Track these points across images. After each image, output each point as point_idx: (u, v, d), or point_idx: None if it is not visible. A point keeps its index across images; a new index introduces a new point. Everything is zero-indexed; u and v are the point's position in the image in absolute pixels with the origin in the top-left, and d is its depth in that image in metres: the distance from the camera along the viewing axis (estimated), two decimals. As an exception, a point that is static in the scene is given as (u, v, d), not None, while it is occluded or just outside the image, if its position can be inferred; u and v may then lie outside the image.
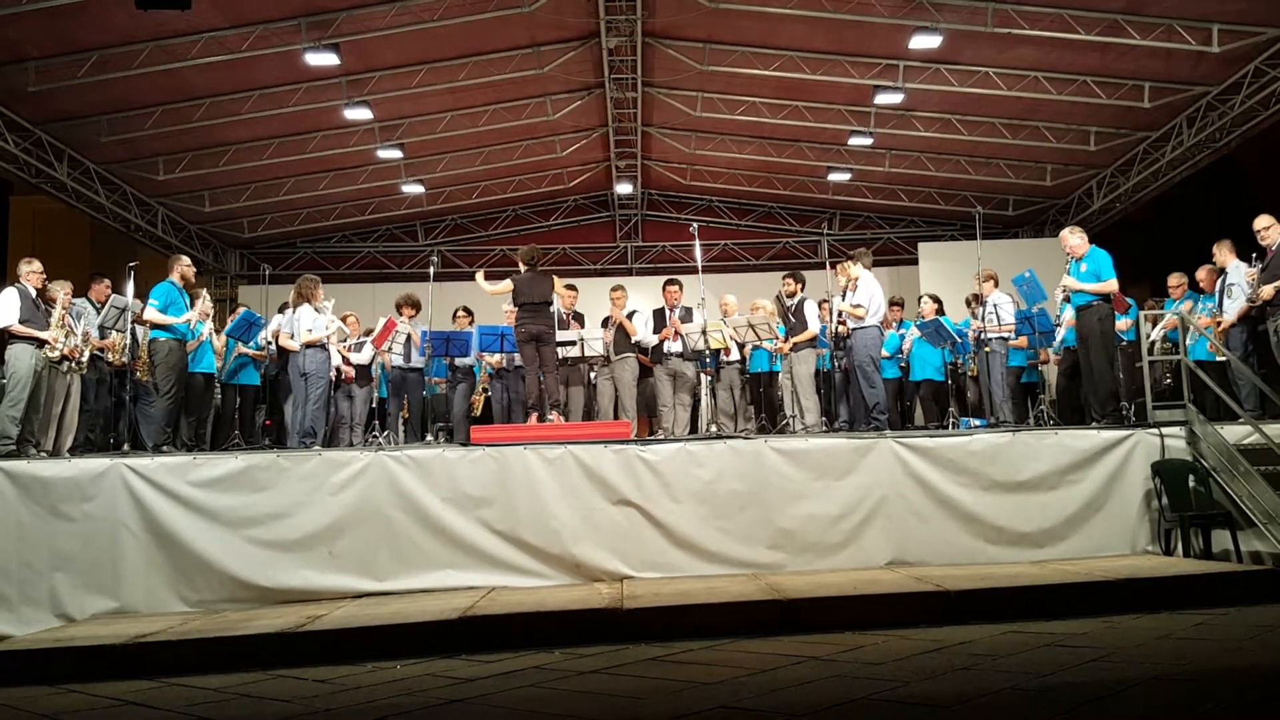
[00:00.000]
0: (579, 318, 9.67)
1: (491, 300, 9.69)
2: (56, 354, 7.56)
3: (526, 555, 6.77)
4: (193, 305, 8.34)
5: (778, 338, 9.21)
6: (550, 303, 8.61)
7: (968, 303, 10.02)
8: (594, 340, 9.34)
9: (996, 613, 5.41)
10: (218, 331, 9.47)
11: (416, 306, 9.86)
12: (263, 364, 9.56)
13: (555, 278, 8.74)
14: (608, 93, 13.00)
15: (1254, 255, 7.88)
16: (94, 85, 10.68)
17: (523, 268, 8.66)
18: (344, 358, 9.53)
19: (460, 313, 10.27)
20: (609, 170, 15.96)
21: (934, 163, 14.74)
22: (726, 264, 17.17)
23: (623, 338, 9.40)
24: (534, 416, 8.31)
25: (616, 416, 9.24)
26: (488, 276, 8.85)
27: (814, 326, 8.98)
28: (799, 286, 9.27)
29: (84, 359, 7.91)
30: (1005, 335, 9.09)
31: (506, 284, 8.60)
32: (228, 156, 13.25)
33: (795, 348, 8.98)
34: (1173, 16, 10.20)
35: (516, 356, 9.19)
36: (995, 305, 9.11)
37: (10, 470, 6.54)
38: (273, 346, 9.53)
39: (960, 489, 7.00)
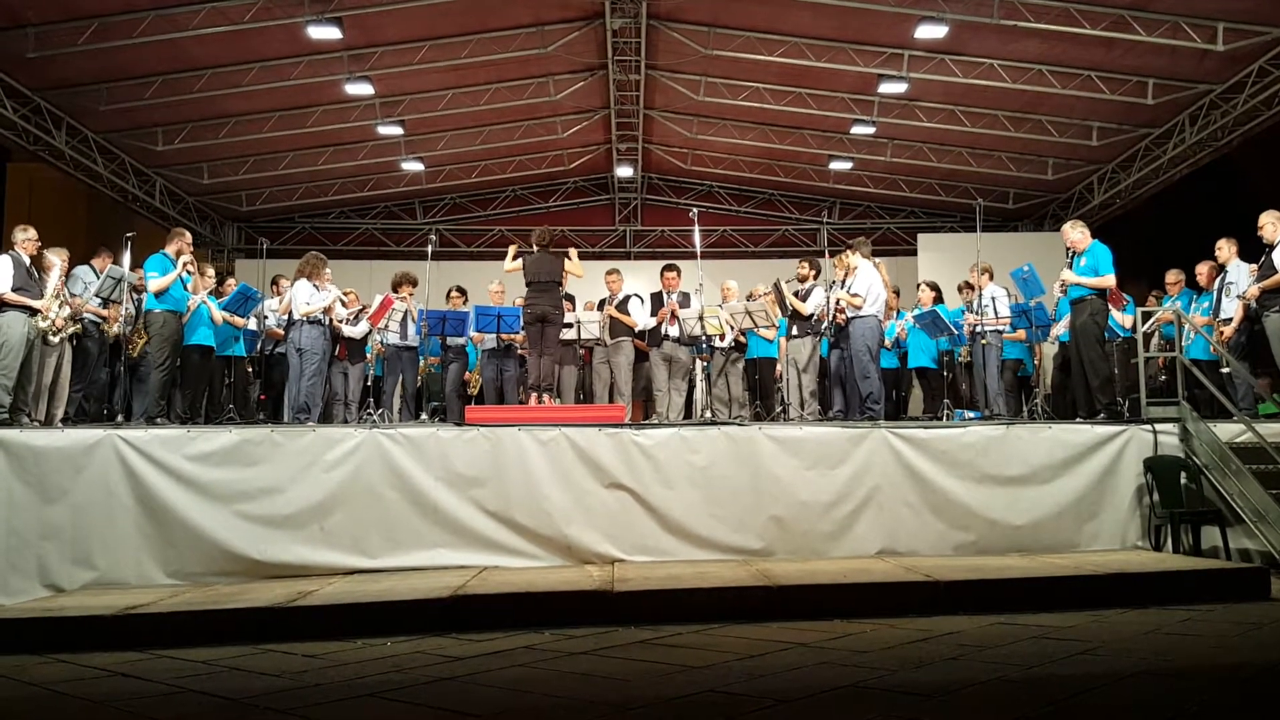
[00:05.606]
0: (570, 299, 9.64)
1: (484, 282, 9.67)
2: (49, 323, 7.51)
3: (518, 536, 6.78)
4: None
5: (773, 325, 9.19)
6: (560, 283, 8.60)
7: (960, 290, 10.00)
8: (590, 323, 9.32)
9: (985, 604, 5.46)
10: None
11: (414, 284, 9.84)
12: (259, 338, 9.52)
13: (568, 257, 8.68)
14: (610, 74, 12.92)
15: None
16: (94, 53, 10.58)
17: (535, 248, 8.64)
18: (337, 330, 9.45)
19: (454, 292, 10.24)
20: (610, 153, 15.89)
21: (935, 154, 14.69)
22: (725, 250, 17.15)
23: (619, 321, 9.39)
24: (534, 397, 8.31)
25: (611, 400, 9.23)
26: (515, 256, 8.79)
27: (811, 306, 8.86)
28: (813, 273, 9.13)
29: (72, 330, 7.84)
30: (1000, 328, 9.10)
31: (517, 263, 8.60)
32: (227, 128, 13.16)
33: (796, 332, 8.94)
34: (1178, 14, 10.15)
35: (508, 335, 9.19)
36: (992, 298, 9.10)
37: (2, 439, 6.50)
38: (268, 321, 9.50)
39: (953, 481, 7.01)
